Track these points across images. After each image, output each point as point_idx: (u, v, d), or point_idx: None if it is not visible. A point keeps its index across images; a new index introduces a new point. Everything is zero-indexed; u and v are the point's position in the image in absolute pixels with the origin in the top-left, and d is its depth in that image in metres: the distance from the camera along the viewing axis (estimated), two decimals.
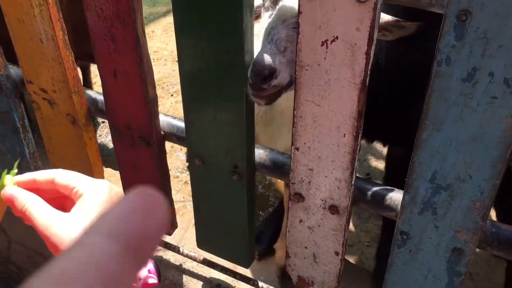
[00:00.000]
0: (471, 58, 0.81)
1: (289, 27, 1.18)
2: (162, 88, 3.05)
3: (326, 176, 1.11)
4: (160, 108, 1.31)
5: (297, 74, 1.00)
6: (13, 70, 1.52)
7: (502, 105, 0.83)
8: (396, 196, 1.13)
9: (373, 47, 0.91)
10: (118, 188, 0.69)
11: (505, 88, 0.81)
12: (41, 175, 0.70)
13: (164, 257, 1.61)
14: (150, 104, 1.27)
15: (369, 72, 0.93)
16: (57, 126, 1.48)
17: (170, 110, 2.84)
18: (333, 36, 0.91)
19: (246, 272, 1.50)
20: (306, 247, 1.26)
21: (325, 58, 0.95)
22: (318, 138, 1.06)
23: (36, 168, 1.70)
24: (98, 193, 0.65)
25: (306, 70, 0.98)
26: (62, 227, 0.62)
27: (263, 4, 1.30)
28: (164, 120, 1.35)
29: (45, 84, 1.40)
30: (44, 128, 1.52)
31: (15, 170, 0.66)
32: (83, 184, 0.66)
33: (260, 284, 1.46)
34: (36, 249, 1.88)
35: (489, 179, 0.91)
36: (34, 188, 0.70)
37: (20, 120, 1.60)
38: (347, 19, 0.88)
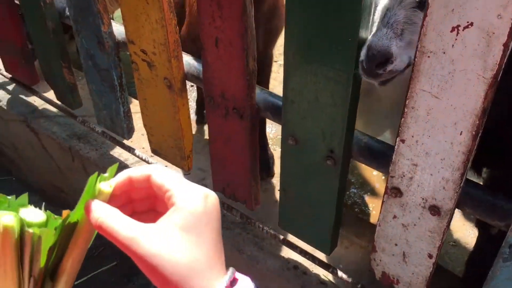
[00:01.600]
0: None
1: (407, 8, 1.07)
2: None
3: (431, 174, 1.02)
4: None
5: (416, 61, 0.90)
6: (116, 29, 1.54)
7: None
8: (508, 206, 1.02)
9: None
10: (214, 196, 0.62)
11: None
12: (137, 172, 0.63)
13: (244, 231, 1.60)
14: (249, 76, 1.23)
15: (503, 66, 0.82)
16: (153, 88, 1.48)
17: None
18: (467, 22, 0.81)
19: (326, 258, 1.44)
20: (396, 244, 1.19)
21: (453, 46, 0.84)
22: (429, 133, 0.97)
23: (129, 128, 1.74)
24: (192, 204, 0.58)
25: (428, 57, 0.88)
26: (148, 241, 0.55)
27: None
28: (260, 94, 1.30)
29: (146, 46, 1.39)
30: (141, 89, 1.53)
31: (106, 175, 0.62)
32: (177, 190, 0.59)
33: (340, 273, 1.41)
34: None
35: None
36: (129, 189, 0.64)
37: (118, 79, 1.62)
38: (487, 3, 0.77)
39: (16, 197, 0.60)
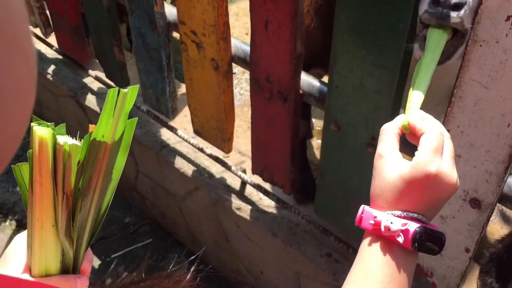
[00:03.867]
0: None
1: None
2: None
3: (475, 166, 1.01)
4: None
5: (468, 49, 0.90)
6: (167, 10, 1.58)
7: None
8: None
9: None
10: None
11: None
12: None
13: (279, 215, 1.62)
14: (296, 60, 1.24)
15: None
16: (200, 69, 1.52)
17: None
18: None
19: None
20: None
21: (507, 35, 0.84)
22: (475, 123, 0.96)
23: (173, 108, 1.78)
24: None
25: (480, 46, 0.88)
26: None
27: None
28: (304, 79, 1.32)
29: (196, 27, 1.43)
30: (188, 70, 1.57)
31: (126, 90, 0.62)
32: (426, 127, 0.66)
33: None
34: (159, 182, 2.00)
35: None
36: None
37: (166, 58, 1.66)
38: None
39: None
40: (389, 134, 0.69)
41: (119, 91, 0.62)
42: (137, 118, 0.69)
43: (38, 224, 0.60)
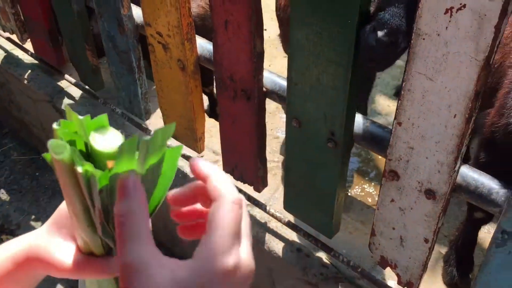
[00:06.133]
0: None
1: None
2: (276, 48, 3.03)
3: (427, 158, 1.03)
4: (271, 68, 1.30)
5: (412, 43, 0.92)
6: (135, 12, 1.59)
7: None
8: (503, 192, 1.02)
9: (505, 21, 0.81)
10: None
11: None
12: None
13: (251, 213, 1.63)
14: (257, 59, 1.26)
15: (495, 49, 0.83)
16: (168, 70, 1.53)
17: (281, 71, 2.83)
18: (460, 4, 0.82)
19: (329, 242, 1.47)
20: (393, 228, 1.20)
21: (446, 28, 0.86)
22: (424, 115, 0.98)
23: (146, 109, 1.80)
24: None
25: (423, 39, 0.90)
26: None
27: None
28: (268, 77, 1.33)
29: (161, 28, 1.44)
30: (156, 71, 1.58)
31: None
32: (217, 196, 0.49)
33: (341, 257, 1.43)
34: None
35: None
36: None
37: (136, 61, 1.68)
38: None
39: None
40: (140, 222, 0.46)
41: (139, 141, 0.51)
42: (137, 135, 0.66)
43: (74, 219, 0.56)
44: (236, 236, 0.46)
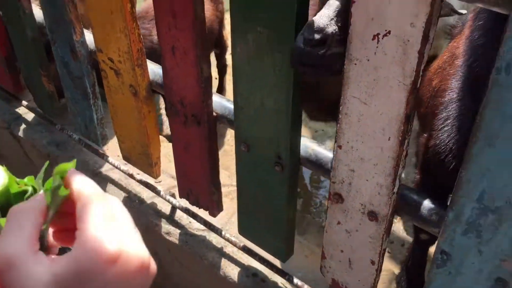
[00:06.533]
0: None
1: None
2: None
3: (367, 180, 1.04)
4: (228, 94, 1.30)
5: (345, 68, 0.94)
6: (89, 38, 1.59)
7: None
8: (442, 213, 1.04)
9: (428, 46, 0.83)
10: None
11: None
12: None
13: (207, 237, 1.62)
14: (204, 84, 1.27)
15: (421, 73, 0.86)
16: (121, 95, 1.53)
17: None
18: (386, 30, 0.85)
19: (285, 265, 1.46)
20: (342, 251, 1.21)
21: (375, 53, 0.88)
22: (362, 139, 1.00)
23: (103, 135, 1.78)
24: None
25: (355, 64, 0.92)
26: None
27: None
28: (218, 101, 1.34)
29: (113, 54, 1.44)
30: (110, 96, 1.58)
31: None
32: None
33: (295, 280, 1.42)
34: None
35: None
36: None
37: (91, 86, 1.67)
38: (401, 13, 0.81)
39: None
40: (20, 221, 0.45)
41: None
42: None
43: None
44: (110, 224, 0.44)
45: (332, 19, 0.97)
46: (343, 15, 0.95)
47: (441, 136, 1.03)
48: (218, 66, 2.99)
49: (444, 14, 1.11)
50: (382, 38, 0.86)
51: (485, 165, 0.84)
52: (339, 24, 0.97)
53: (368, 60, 0.90)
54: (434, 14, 0.79)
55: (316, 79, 1.71)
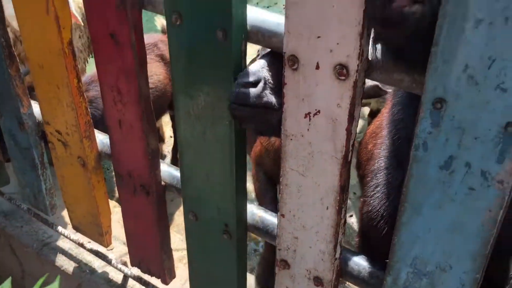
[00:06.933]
0: (447, 147, 0.78)
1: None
2: None
3: (310, 247, 1.08)
4: None
5: (282, 143, 0.99)
6: (37, 109, 1.60)
7: (480, 197, 0.79)
8: (381, 275, 1.08)
9: (354, 123, 0.89)
10: None
11: (482, 180, 0.77)
12: None
13: None
14: (151, 156, 1.30)
15: (351, 149, 0.92)
16: (69, 166, 1.53)
17: None
18: (316, 110, 0.91)
19: None
20: None
21: (308, 129, 0.94)
22: (302, 208, 1.04)
23: (52, 205, 1.76)
24: None
25: (291, 139, 0.97)
26: None
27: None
28: (166, 170, 1.37)
29: (60, 127, 1.46)
30: (59, 167, 1.58)
31: None
32: None
33: None
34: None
35: (469, 272, 0.86)
36: None
37: (39, 157, 1.67)
38: (328, 94, 0.88)
39: None
40: None
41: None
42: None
43: None
44: None
45: (263, 67, 1.01)
46: (272, 67, 1.00)
47: (372, 202, 1.09)
48: (173, 126, 3.03)
49: (373, 95, 1.20)
50: (313, 117, 0.92)
51: (415, 232, 0.89)
52: (270, 73, 1.00)
53: (302, 136, 0.95)
54: (357, 97, 0.86)
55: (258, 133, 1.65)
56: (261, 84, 0.98)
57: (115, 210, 1.86)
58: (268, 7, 4.69)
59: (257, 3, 4.21)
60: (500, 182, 0.76)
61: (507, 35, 0.66)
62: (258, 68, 1.01)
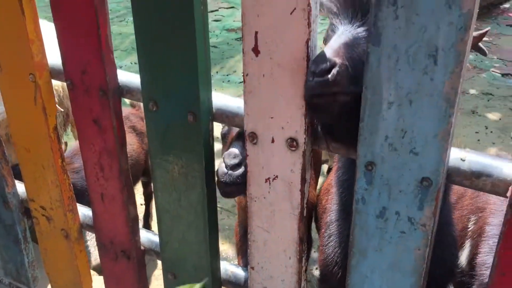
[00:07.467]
0: (380, 200, 0.98)
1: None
2: None
3: None
4: None
5: (248, 204, 1.17)
6: (20, 187, 1.73)
7: (410, 239, 0.97)
8: None
9: (306, 185, 1.08)
10: None
11: (409, 225, 0.96)
12: None
13: None
14: (131, 223, 1.44)
15: (305, 206, 1.10)
16: (52, 239, 1.65)
17: None
18: (274, 175, 1.09)
19: None
20: None
21: (269, 192, 1.12)
22: (269, 260, 1.20)
23: (34, 277, 1.85)
24: None
25: (255, 201, 1.15)
26: None
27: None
28: (145, 236, 1.51)
29: (45, 203, 1.59)
30: (42, 241, 1.69)
31: None
32: None
33: None
34: None
35: None
36: None
37: (22, 232, 1.77)
38: (283, 162, 1.07)
39: None
40: None
41: None
42: None
43: None
44: None
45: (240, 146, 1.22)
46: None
47: (327, 250, 1.26)
48: (144, 193, 3.16)
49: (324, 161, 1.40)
50: (272, 181, 1.10)
51: (364, 273, 1.07)
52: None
53: (264, 198, 1.13)
54: (307, 163, 1.05)
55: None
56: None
57: (93, 278, 1.95)
58: (227, 75, 4.98)
59: (217, 72, 4.49)
60: (423, 225, 0.96)
61: (412, 113, 0.88)
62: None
